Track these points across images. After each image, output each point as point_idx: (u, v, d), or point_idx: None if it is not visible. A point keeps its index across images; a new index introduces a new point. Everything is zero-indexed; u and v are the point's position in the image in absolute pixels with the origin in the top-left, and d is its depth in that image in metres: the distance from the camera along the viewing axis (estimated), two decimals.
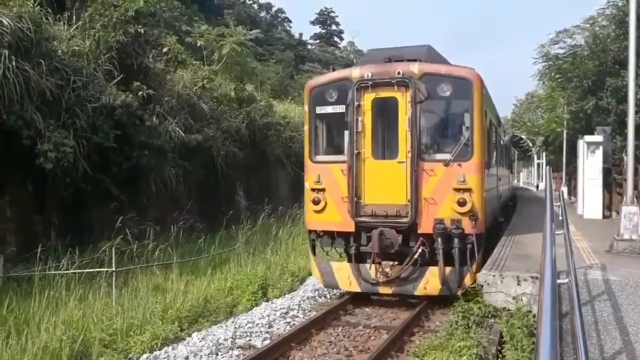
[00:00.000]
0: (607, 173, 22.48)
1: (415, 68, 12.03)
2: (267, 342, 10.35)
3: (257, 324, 11.37)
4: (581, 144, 22.62)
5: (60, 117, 14.88)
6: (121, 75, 17.40)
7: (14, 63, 13.38)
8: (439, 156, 11.92)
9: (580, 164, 23.12)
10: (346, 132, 12.46)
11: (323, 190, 12.56)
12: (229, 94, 25.78)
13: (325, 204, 12.50)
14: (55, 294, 10.97)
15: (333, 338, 10.75)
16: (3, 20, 13.66)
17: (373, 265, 12.17)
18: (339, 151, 12.79)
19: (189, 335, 10.60)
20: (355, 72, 12.43)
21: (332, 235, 12.76)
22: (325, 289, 14.15)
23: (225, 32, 33.31)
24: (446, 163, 11.68)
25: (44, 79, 14.23)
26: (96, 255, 13.44)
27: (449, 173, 11.65)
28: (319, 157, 12.96)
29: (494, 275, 10.22)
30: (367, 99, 12.20)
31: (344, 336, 10.89)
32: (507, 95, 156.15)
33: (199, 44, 30.63)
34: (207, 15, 50.19)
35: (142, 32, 18.80)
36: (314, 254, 13.19)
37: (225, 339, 10.32)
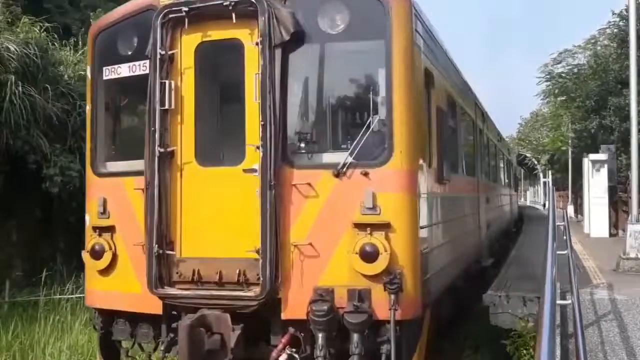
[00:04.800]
0: (612, 191, 22.44)
1: None
2: None
3: None
4: (586, 163, 22.63)
5: (67, 141, 15.02)
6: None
7: (20, 88, 13.56)
8: (324, 157, 6.53)
9: (585, 183, 23.11)
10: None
11: (111, 229, 6.96)
12: None
13: (114, 256, 6.88)
14: (61, 319, 10.99)
15: None
16: (10, 46, 13.88)
17: None
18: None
19: None
20: None
21: (132, 320, 6.92)
22: None
23: None
24: (338, 171, 6.19)
25: (50, 104, 14.39)
26: None
27: (345, 191, 6.20)
28: (110, 166, 7.35)
29: (499, 296, 10.15)
30: (186, 44, 6.67)
31: None
32: (512, 114, 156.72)
33: None
34: None
35: None
36: (104, 355, 7.23)
37: None
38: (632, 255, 12.68)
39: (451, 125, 9.36)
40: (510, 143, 42.15)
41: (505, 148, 23.76)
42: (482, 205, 12.55)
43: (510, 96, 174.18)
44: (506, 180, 23.24)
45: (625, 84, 18.95)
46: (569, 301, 7.20)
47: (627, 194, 18.50)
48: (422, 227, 6.58)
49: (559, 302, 6.95)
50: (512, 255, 15.22)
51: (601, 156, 22.18)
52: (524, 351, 8.59)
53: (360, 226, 6.08)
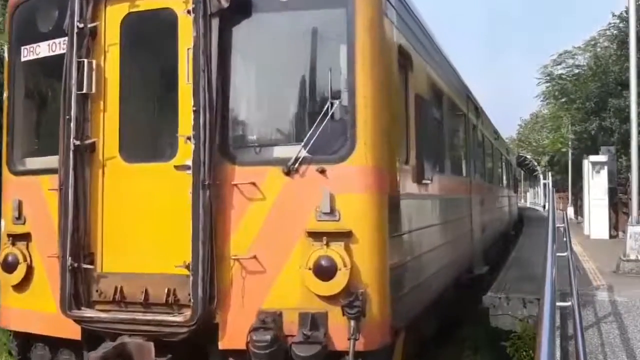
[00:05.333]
0: (612, 193, 22.47)
1: None
2: None
3: None
4: (586, 164, 22.67)
5: None
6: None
7: None
8: (273, 151, 5.46)
9: (585, 184, 23.14)
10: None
11: (27, 237, 5.94)
12: None
13: (29, 269, 5.88)
14: None
15: None
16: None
17: None
18: None
19: None
20: None
21: (52, 344, 5.81)
22: None
23: None
24: (289, 168, 5.17)
25: None
26: None
27: (297, 192, 5.20)
28: (29, 162, 6.33)
29: (500, 298, 10.16)
30: (111, 16, 5.64)
31: None
32: (512, 115, 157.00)
33: None
34: None
35: None
36: None
37: None
38: (632, 257, 12.70)
39: (436, 118, 8.30)
40: (510, 144, 42.20)
41: (503, 147, 22.86)
42: (475, 207, 11.64)
43: (510, 97, 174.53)
44: (504, 181, 22.89)
45: (625, 85, 18.98)
46: (569, 303, 7.20)
47: (627, 195, 18.52)
48: (393, 236, 5.48)
49: (559, 303, 6.96)
50: (512, 257, 15.24)
51: (601, 158, 22.23)
52: (524, 353, 8.61)
53: (315, 235, 5.03)
